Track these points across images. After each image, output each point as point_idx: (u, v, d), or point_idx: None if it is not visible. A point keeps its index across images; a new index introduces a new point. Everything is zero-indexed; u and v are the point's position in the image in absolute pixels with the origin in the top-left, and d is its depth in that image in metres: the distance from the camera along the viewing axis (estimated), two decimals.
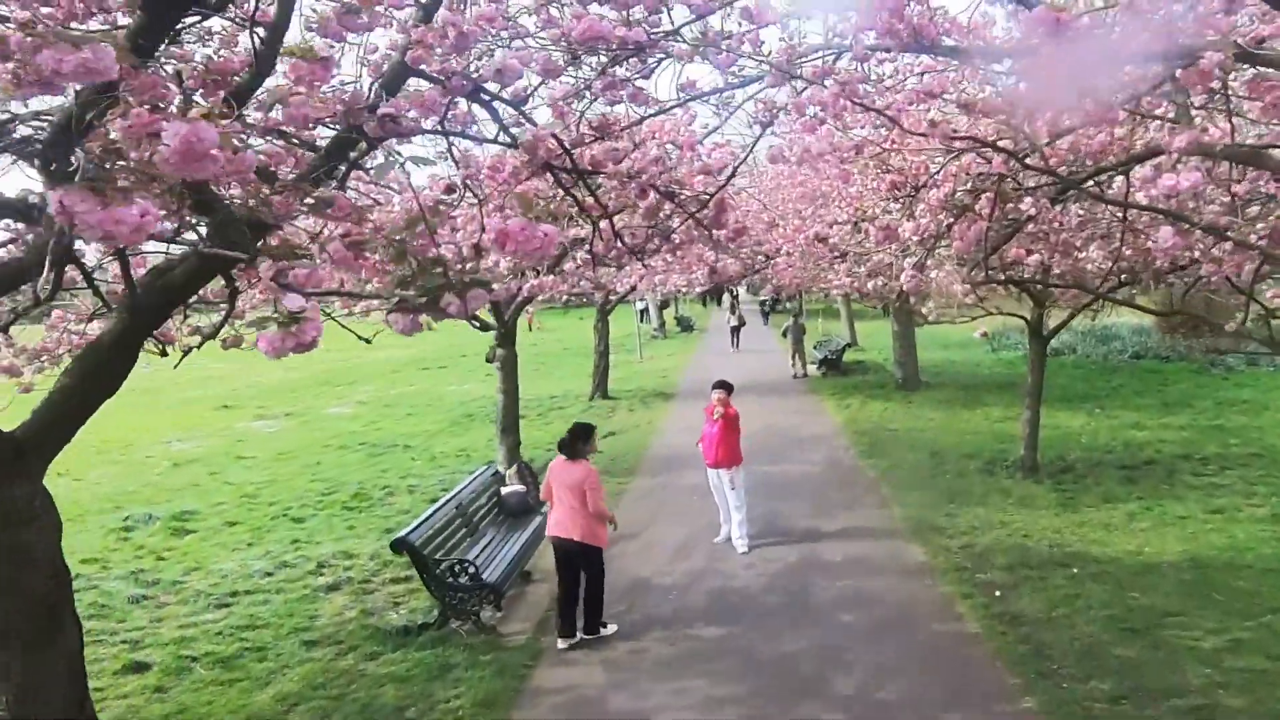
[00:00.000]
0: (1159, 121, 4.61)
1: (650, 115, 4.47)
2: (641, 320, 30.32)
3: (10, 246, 4.37)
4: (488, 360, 10.31)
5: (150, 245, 4.09)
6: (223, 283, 4.00)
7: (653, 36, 3.27)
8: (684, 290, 18.60)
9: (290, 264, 1.99)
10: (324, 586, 7.32)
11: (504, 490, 8.22)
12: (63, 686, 3.53)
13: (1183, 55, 3.12)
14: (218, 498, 10.86)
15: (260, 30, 3.12)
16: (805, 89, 3.76)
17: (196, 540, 9.06)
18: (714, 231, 5.30)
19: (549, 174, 4.33)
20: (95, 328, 5.50)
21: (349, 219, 2.24)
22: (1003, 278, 6.95)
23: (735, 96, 4.51)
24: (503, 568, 6.57)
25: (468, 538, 7.11)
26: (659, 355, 26.73)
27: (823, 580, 7.02)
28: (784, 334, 21.21)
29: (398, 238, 1.82)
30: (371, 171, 3.10)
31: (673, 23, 3.66)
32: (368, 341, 2.54)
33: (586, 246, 5.90)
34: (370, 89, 3.29)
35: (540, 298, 9.37)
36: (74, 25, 3.02)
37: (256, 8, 3.23)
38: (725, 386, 7.99)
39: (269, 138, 3.85)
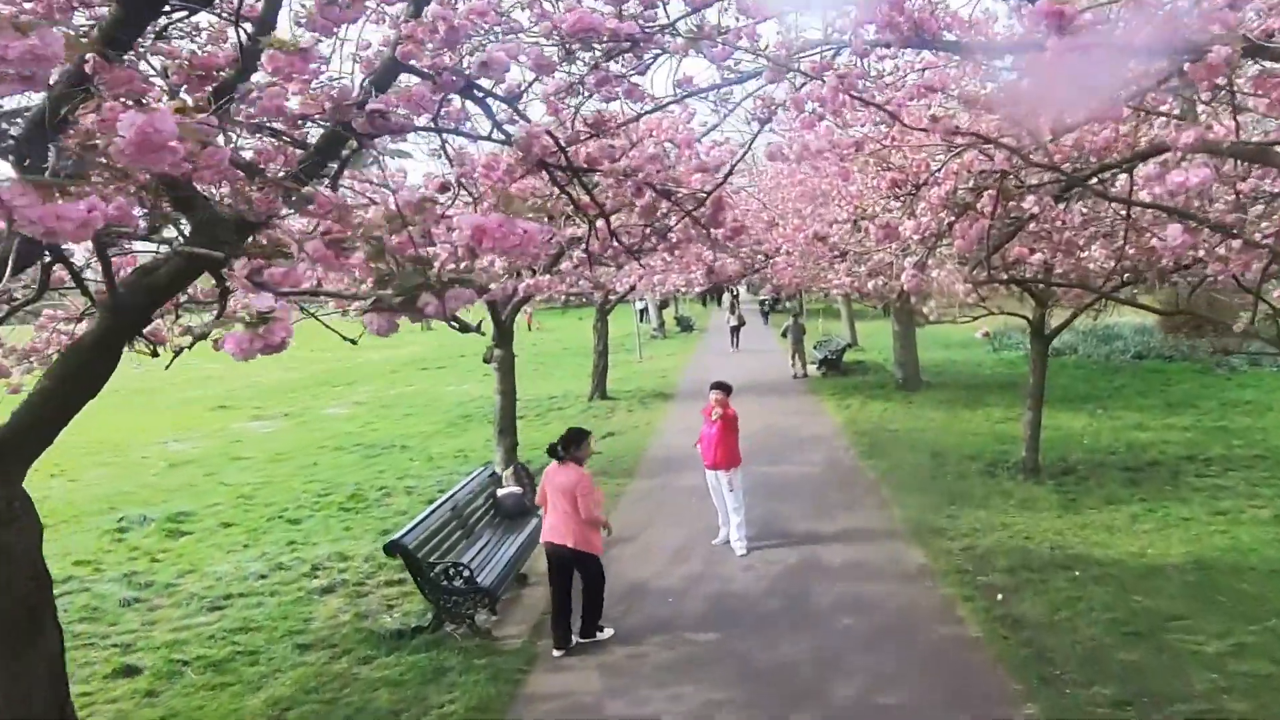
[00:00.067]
0: (1163, 118, 4.54)
1: (647, 112, 4.40)
2: (641, 320, 30.25)
3: None
4: (485, 361, 10.24)
5: (141, 245, 4.03)
6: (214, 282, 3.94)
7: (647, 30, 3.19)
8: (683, 290, 18.53)
9: (266, 262, 1.91)
10: (318, 589, 7.24)
11: (500, 492, 8.14)
12: (43, 689, 3.47)
13: (1189, 50, 3.05)
14: (213, 499, 10.79)
15: (248, 26, 3.05)
16: (804, 84, 3.69)
17: (191, 542, 8.99)
18: (711, 230, 5.23)
19: (544, 172, 4.26)
20: (85, 328, 5.42)
21: (329, 216, 2.16)
22: (1005, 277, 6.87)
23: (734, 93, 4.44)
24: (498, 571, 6.49)
25: (463, 540, 7.04)
26: (658, 355, 26.66)
27: (822, 583, 6.95)
28: (784, 334, 21.14)
29: (375, 235, 1.75)
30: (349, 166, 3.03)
31: (668, 16, 3.59)
32: (353, 342, 2.46)
33: (583, 246, 5.84)
34: (360, 85, 3.22)
35: (538, 297, 9.31)
36: (58, 20, 2.95)
37: (242, 3, 3.16)
38: (723, 387, 7.91)
39: (261, 135, 3.79)
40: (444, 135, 4.29)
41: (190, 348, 4.76)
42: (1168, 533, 7.77)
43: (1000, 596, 6.44)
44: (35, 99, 2.77)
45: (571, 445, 6.06)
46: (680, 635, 6.11)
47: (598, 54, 3.65)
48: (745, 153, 4.88)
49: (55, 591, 7.65)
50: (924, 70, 4.33)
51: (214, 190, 3.73)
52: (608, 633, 6.09)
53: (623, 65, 3.93)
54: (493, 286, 7.59)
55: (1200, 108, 4.38)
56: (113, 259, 4.38)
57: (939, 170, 4.86)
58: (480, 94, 3.63)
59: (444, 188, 4.78)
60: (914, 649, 5.74)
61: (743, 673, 5.51)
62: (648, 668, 5.65)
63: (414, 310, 1.64)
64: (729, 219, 5.17)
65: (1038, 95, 3.76)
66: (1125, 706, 4.88)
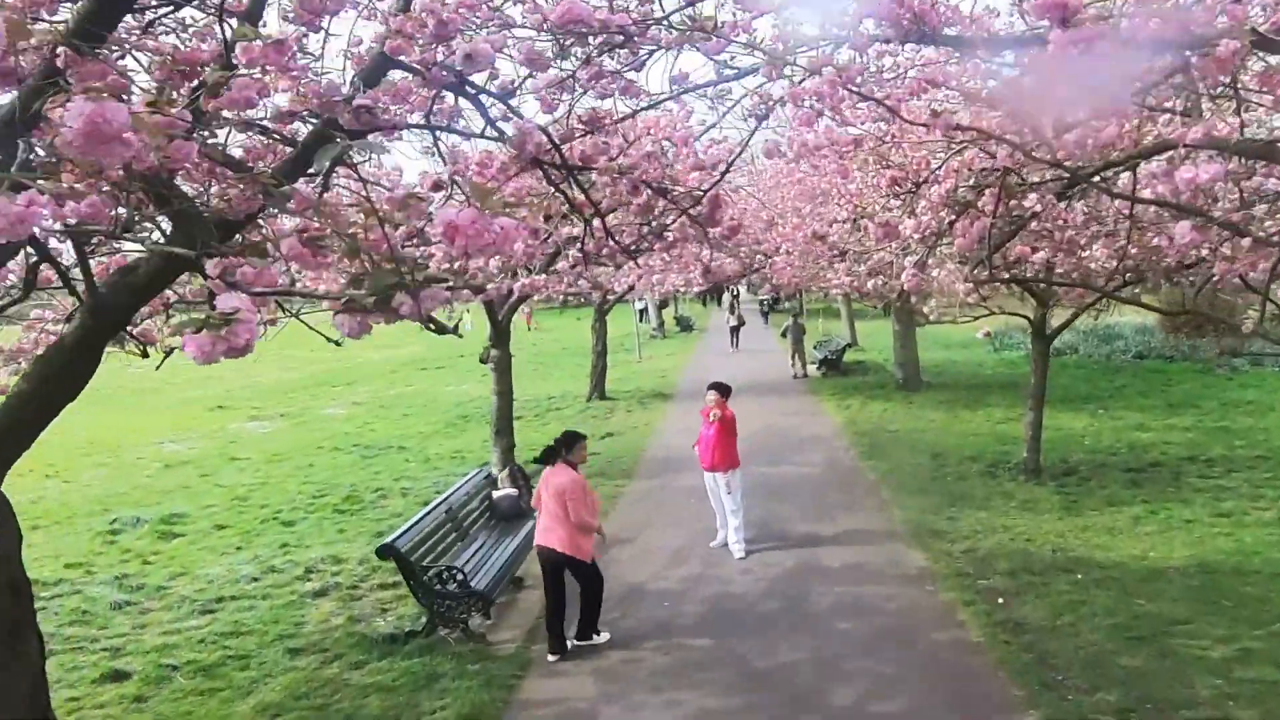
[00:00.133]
0: (1167, 115, 4.46)
1: (642, 109, 4.32)
2: (640, 320, 30.17)
3: None
4: (482, 361, 10.16)
5: (133, 245, 3.95)
6: (202, 282, 3.86)
7: (639, 23, 3.11)
8: (682, 289, 18.45)
9: (239, 261, 1.83)
10: (311, 592, 7.16)
11: (496, 494, 8.06)
12: (24, 702, 3.38)
13: (1196, 44, 2.97)
14: (208, 500, 10.71)
15: (233, 21, 2.97)
16: (802, 79, 3.61)
17: (184, 544, 8.90)
18: (708, 229, 5.15)
19: (539, 170, 4.18)
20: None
21: (309, 214, 2.08)
22: (1006, 276, 6.79)
23: (732, 90, 4.36)
24: (492, 574, 6.41)
25: (458, 542, 6.96)
26: (658, 355, 26.58)
27: (821, 586, 6.86)
28: (783, 334, 21.06)
29: (349, 233, 1.67)
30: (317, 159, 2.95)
31: (663, 9, 3.51)
32: (337, 344, 2.39)
33: (579, 245, 5.76)
34: (349, 81, 3.15)
35: (536, 297, 9.22)
36: (42, 15, 2.87)
37: None
38: (720, 388, 7.82)
39: (251, 133, 3.71)
40: (437, 133, 4.22)
41: (182, 348, 4.69)
42: (1170, 535, 7.69)
43: (1001, 600, 6.36)
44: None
45: (563, 448, 5.98)
46: (677, 640, 6.02)
47: (591, 49, 3.57)
48: (742, 150, 4.81)
49: (46, 594, 7.61)
50: (924, 67, 4.26)
51: (200, 188, 3.66)
52: (604, 637, 6.00)
53: (618, 61, 3.86)
54: (489, 286, 7.54)
55: (1204, 104, 4.31)
56: (108, 259, 4.32)
57: (939, 168, 4.78)
58: (473, 91, 3.55)
59: (437, 186, 4.70)
60: (914, 653, 5.66)
61: (740, 678, 5.43)
62: (644, 673, 5.57)
63: (388, 310, 1.56)
64: (726, 217, 5.09)
65: (1040, 91, 3.69)
66: (1129, 713, 4.79)
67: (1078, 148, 4.11)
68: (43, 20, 2.74)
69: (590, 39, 3.41)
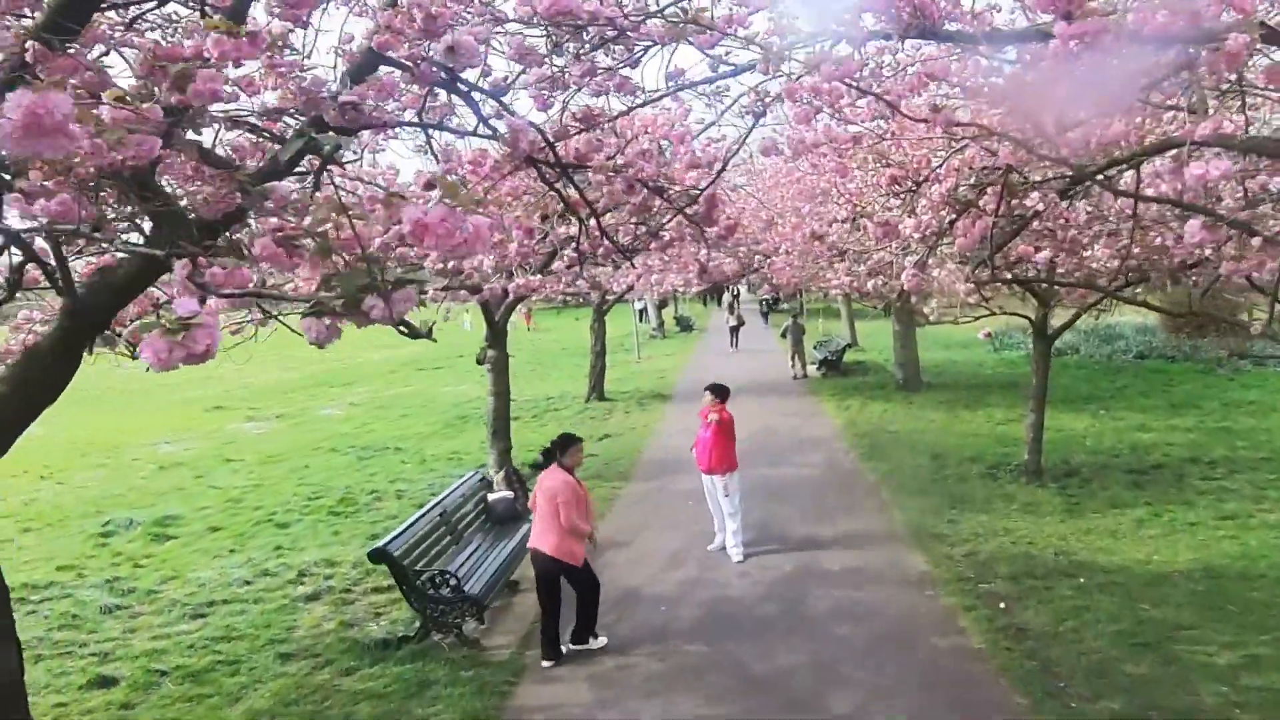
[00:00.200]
0: (1172, 113, 4.37)
1: (637, 105, 4.23)
2: (640, 320, 30.09)
3: None
4: (478, 362, 10.07)
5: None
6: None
7: (630, 17, 3.02)
8: (682, 289, 18.37)
9: (209, 262, 1.75)
10: (304, 596, 7.07)
11: (491, 497, 7.98)
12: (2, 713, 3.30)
13: (1204, 38, 2.88)
14: (202, 502, 10.62)
15: (216, 16, 2.89)
16: (799, 75, 3.52)
17: (177, 546, 8.82)
18: (705, 229, 5.07)
19: (533, 168, 4.10)
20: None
21: (285, 213, 2.00)
22: (1008, 276, 6.70)
23: (729, 88, 4.28)
24: (486, 578, 6.32)
25: (452, 546, 6.87)
26: (657, 355, 26.50)
27: (819, 590, 6.78)
28: (783, 334, 20.97)
29: (319, 231, 1.58)
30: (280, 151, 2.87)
31: (658, 3, 3.43)
32: (320, 346, 2.30)
33: (574, 245, 5.68)
34: (337, 77, 3.07)
35: (534, 297, 9.14)
36: (25, 12, 2.79)
37: None
38: (718, 390, 7.73)
39: (240, 131, 3.63)
40: (429, 131, 4.14)
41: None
42: (1174, 538, 7.60)
43: (1003, 605, 6.28)
44: None
45: (558, 451, 5.90)
46: (673, 645, 5.94)
47: (584, 44, 3.49)
48: (739, 148, 4.72)
49: (36, 598, 7.52)
50: (925, 62, 4.17)
51: (186, 188, 3.58)
52: (601, 641, 5.91)
53: (612, 58, 3.77)
54: (485, 287, 7.45)
55: (1210, 101, 4.22)
56: (96, 259, 4.24)
57: (940, 166, 4.70)
58: (465, 88, 3.47)
59: (430, 185, 4.61)
60: (914, 659, 5.57)
61: (737, 683, 5.35)
62: (639, 678, 5.48)
63: (358, 313, 1.48)
64: (723, 217, 5.01)
65: (1043, 87, 3.60)
66: None
67: (1081, 145, 4.04)
68: (26, 18, 2.66)
69: (582, 33, 3.33)
